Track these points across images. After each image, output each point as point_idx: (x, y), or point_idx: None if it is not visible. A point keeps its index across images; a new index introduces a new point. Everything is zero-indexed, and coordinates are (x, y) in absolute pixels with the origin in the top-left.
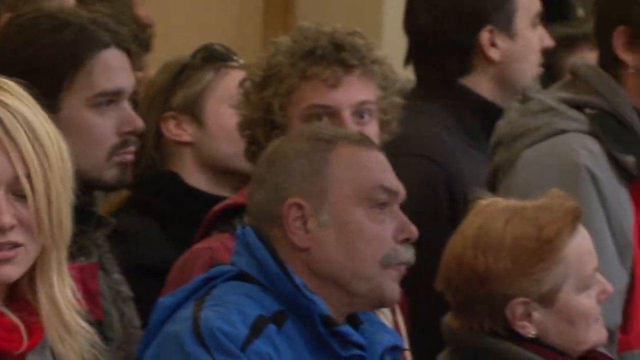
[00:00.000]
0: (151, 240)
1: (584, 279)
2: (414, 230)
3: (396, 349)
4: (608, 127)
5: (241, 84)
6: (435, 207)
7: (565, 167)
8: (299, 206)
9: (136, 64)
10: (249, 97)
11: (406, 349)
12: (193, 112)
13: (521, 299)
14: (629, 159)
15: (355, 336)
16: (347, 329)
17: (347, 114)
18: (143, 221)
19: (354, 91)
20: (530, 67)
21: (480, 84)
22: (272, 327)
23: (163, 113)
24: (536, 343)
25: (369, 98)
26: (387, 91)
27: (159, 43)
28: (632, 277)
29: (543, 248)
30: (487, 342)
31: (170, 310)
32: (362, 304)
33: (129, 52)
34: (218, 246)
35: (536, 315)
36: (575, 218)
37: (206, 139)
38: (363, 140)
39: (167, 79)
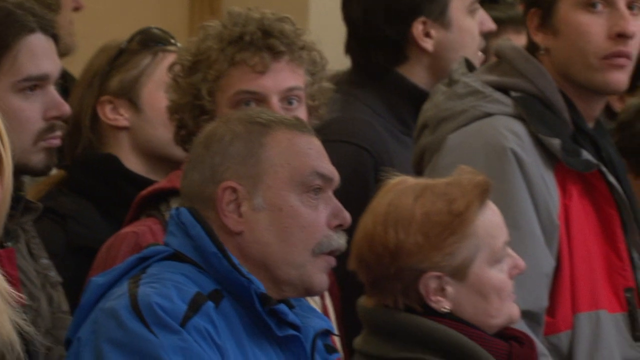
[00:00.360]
0: (89, 221)
1: (495, 253)
2: (347, 217)
3: (327, 334)
4: (533, 110)
5: (170, 68)
6: (363, 193)
7: (491, 150)
8: (233, 189)
9: (62, 49)
10: (178, 81)
11: (336, 334)
12: (129, 97)
13: (434, 273)
14: (555, 142)
15: (291, 316)
16: (283, 307)
17: (275, 100)
18: (79, 202)
19: (282, 77)
20: (468, 55)
21: (416, 72)
22: (210, 304)
23: (100, 97)
24: (451, 318)
25: (297, 84)
26: (315, 77)
27: (83, 28)
28: (559, 260)
29: (453, 221)
30: (402, 318)
31: (103, 288)
32: (291, 291)
33: (55, 37)
34: (144, 230)
35: (449, 289)
36: (484, 192)
37: (142, 124)
38: (299, 125)
39: (104, 63)
